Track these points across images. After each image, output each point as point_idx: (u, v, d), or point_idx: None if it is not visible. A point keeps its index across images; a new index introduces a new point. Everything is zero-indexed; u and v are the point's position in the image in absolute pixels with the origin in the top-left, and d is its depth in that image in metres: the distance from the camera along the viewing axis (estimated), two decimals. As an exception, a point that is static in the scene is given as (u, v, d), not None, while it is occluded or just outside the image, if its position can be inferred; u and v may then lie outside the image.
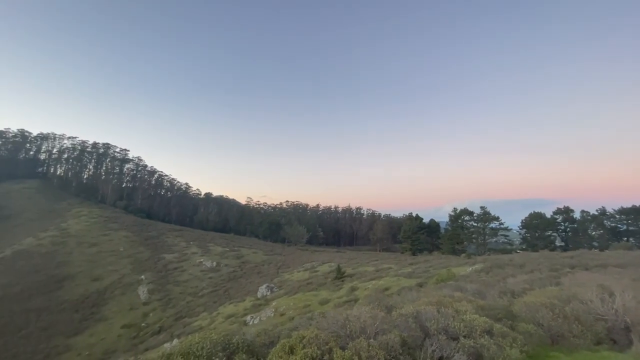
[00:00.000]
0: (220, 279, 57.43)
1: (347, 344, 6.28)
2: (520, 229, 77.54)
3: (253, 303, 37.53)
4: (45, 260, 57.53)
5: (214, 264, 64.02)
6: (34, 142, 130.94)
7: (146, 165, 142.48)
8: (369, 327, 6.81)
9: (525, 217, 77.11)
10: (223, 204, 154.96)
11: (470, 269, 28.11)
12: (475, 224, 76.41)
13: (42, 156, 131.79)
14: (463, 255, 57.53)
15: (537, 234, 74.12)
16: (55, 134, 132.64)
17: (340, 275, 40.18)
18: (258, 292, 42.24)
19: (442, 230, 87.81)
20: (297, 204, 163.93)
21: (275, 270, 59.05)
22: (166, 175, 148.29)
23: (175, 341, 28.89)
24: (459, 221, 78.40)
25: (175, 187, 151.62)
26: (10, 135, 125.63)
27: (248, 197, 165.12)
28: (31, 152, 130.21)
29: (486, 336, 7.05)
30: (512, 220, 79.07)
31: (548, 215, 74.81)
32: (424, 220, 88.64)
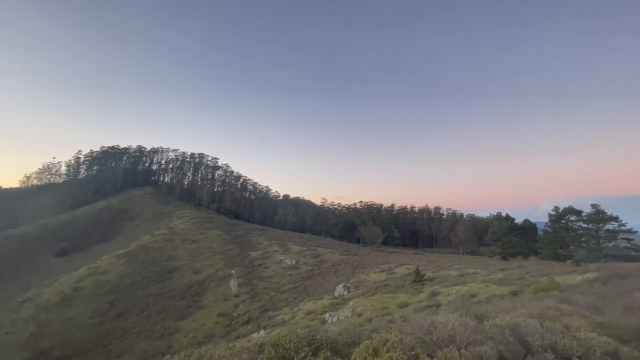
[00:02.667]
0: (299, 277, 60.27)
1: (435, 352, 5.96)
2: (650, 231, 62.77)
3: (331, 302, 38.30)
4: (158, 254, 68.89)
5: (294, 262, 67.47)
6: (148, 156, 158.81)
7: (233, 171, 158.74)
8: (459, 336, 6.33)
9: (658, 217, 62.12)
10: (300, 205, 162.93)
11: (580, 278, 23.79)
12: (585, 225, 64.12)
13: (154, 167, 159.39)
14: (569, 261, 48.95)
15: (676, 238, 58.99)
16: (163, 148, 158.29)
17: (419, 279, 38.22)
18: (335, 291, 42.93)
19: (540, 232, 76.47)
20: (370, 204, 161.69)
21: (351, 270, 59.26)
22: (249, 180, 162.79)
23: (262, 332, 31.28)
24: (563, 222, 66.94)
25: (258, 190, 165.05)
26: (132, 151, 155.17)
27: (323, 198, 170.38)
28: (146, 164, 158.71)
29: (609, 360, 5.90)
30: (639, 221, 64.14)
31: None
32: (516, 221, 78.59)
